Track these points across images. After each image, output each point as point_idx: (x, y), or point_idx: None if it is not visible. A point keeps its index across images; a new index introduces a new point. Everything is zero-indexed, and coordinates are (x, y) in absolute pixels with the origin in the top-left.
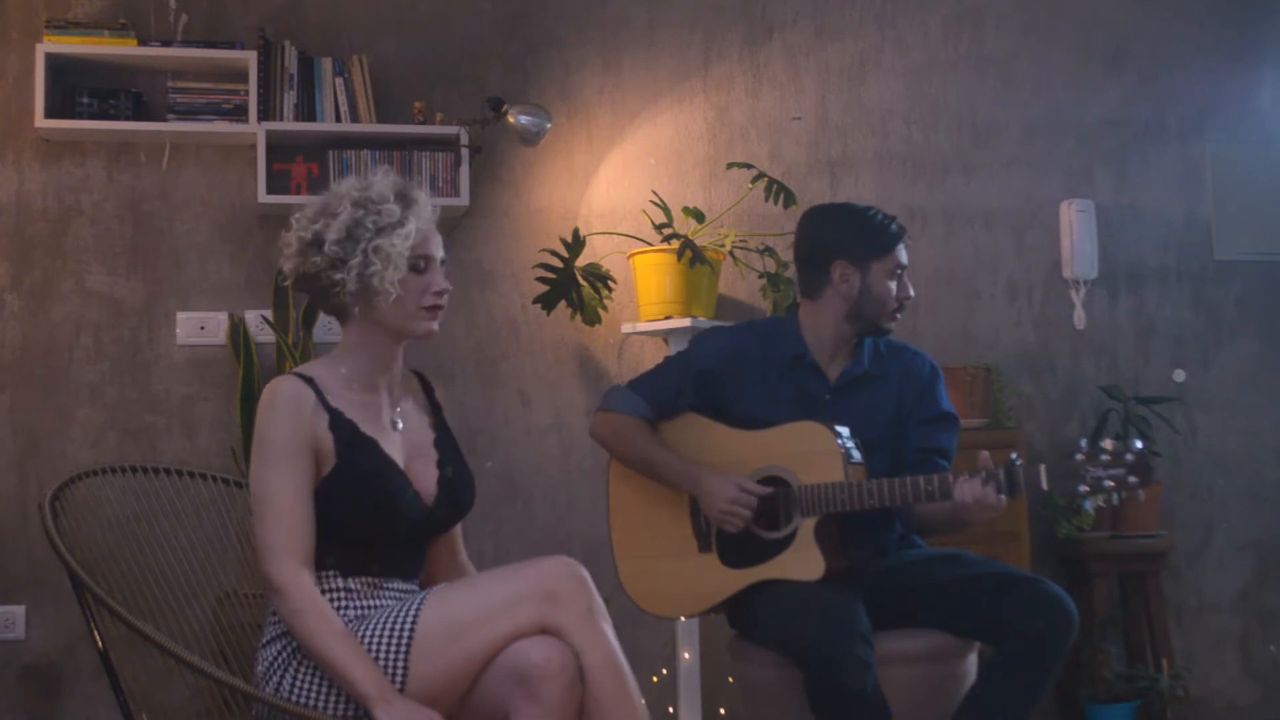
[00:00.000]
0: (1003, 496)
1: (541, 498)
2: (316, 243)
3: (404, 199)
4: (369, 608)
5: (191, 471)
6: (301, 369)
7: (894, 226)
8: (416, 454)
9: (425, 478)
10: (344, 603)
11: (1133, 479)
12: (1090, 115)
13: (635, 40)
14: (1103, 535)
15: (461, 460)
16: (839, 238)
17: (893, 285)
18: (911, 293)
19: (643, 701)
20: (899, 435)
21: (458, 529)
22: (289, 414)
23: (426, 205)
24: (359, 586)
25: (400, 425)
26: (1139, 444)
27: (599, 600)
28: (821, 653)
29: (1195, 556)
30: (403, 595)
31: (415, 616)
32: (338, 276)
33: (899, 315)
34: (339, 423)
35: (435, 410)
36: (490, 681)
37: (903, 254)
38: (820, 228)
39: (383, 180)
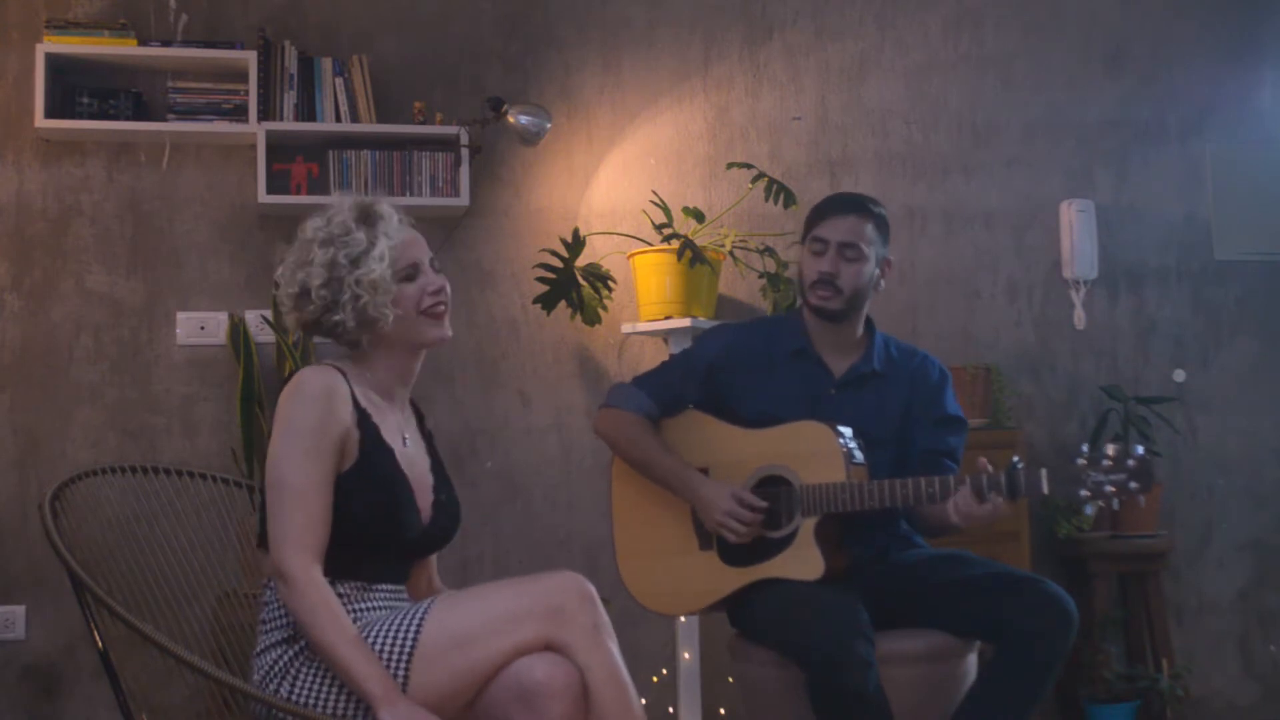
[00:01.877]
0: (1001, 501)
1: (541, 498)
2: (304, 293)
3: (366, 219)
4: (362, 610)
5: (191, 471)
6: (332, 362)
7: (825, 205)
8: (417, 474)
9: (424, 498)
10: None
11: (1134, 484)
12: (1090, 115)
13: (635, 40)
14: (1103, 535)
15: (452, 490)
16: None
17: (811, 259)
18: (829, 268)
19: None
20: (904, 436)
21: (433, 557)
22: (322, 402)
23: (393, 215)
24: (349, 590)
25: (407, 442)
26: (1140, 449)
27: (605, 617)
28: (823, 652)
29: (1195, 556)
30: (392, 595)
31: (420, 623)
32: (336, 318)
33: (823, 294)
34: (365, 421)
35: (428, 438)
36: (493, 696)
37: (825, 229)
38: None
39: (340, 207)
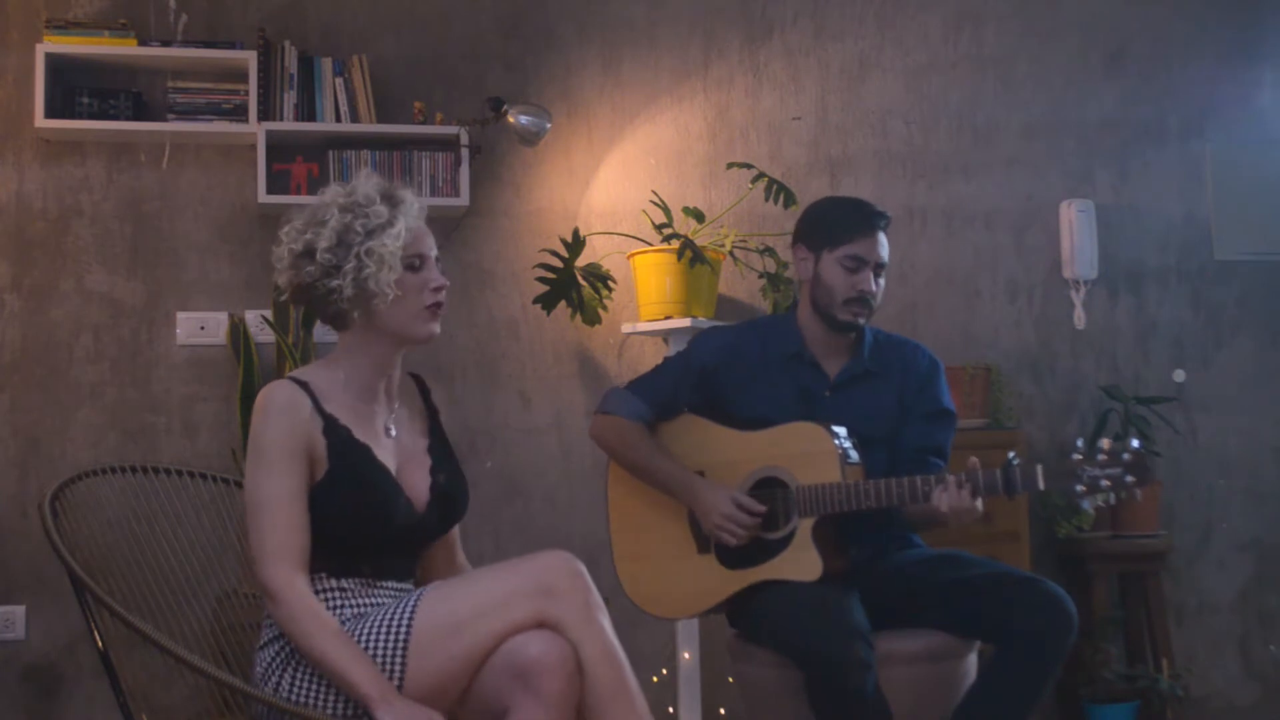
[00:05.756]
0: (979, 501)
1: (541, 498)
2: (308, 252)
3: (390, 199)
4: (366, 605)
5: (191, 471)
6: (297, 373)
7: (857, 219)
8: (409, 460)
9: (418, 484)
10: (339, 601)
11: (1130, 478)
12: (1090, 115)
13: (635, 40)
14: (1102, 535)
15: (455, 466)
16: (803, 224)
17: (843, 275)
18: (871, 288)
19: (641, 694)
20: (899, 431)
21: (455, 532)
22: (284, 419)
23: (414, 204)
24: (353, 585)
25: (394, 432)
26: (1136, 443)
27: (596, 594)
28: (822, 653)
29: (1195, 556)
30: (398, 593)
31: (412, 614)
32: (333, 284)
33: (859, 311)
34: (333, 428)
35: (432, 415)
36: (489, 677)
37: (863, 248)
38: (800, 216)
39: (367, 183)
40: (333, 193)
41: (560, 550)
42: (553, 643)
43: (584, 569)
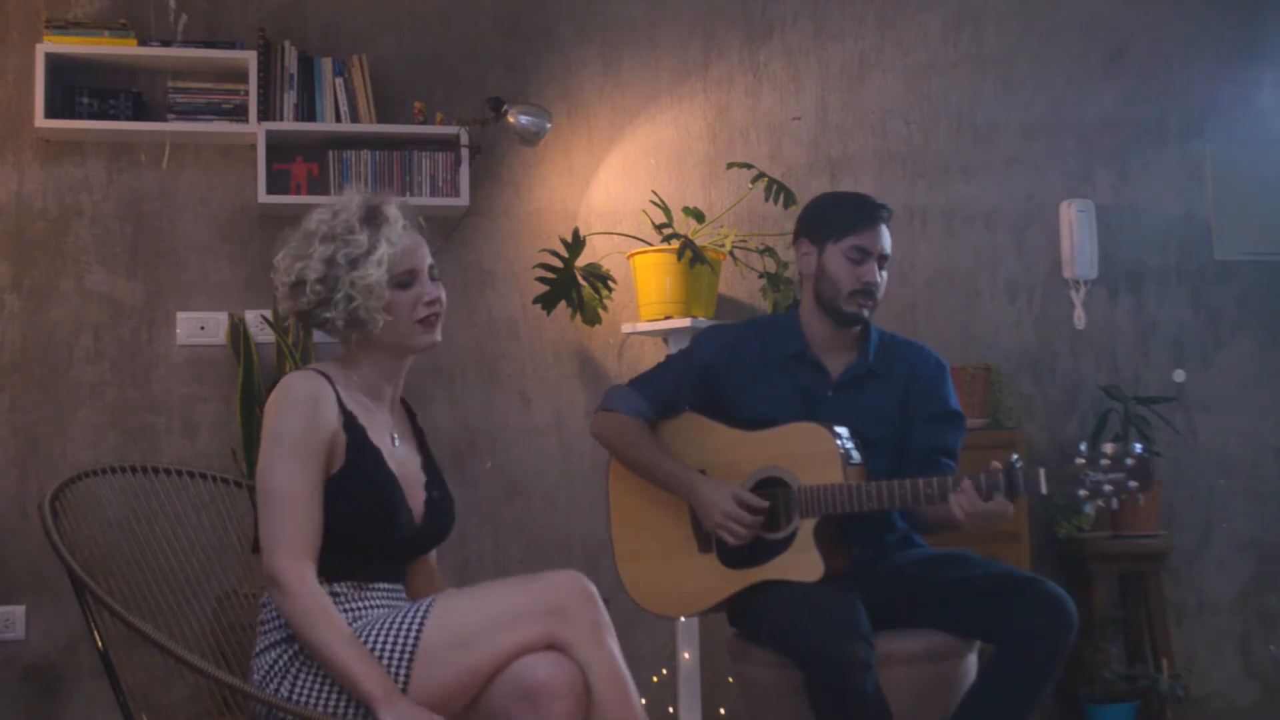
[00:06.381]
0: (1005, 500)
1: (541, 498)
2: (300, 284)
3: (372, 221)
4: (360, 609)
5: (191, 471)
6: (317, 366)
7: (860, 210)
8: (408, 473)
9: (415, 497)
10: (336, 606)
11: (1132, 483)
12: (1090, 115)
13: (635, 40)
14: (1102, 535)
15: (445, 487)
16: (805, 218)
17: (848, 266)
18: (875, 278)
19: (647, 718)
20: (903, 432)
21: (433, 554)
22: (307, 408)
23: (399, 218)
24: (345, 589)
25: (397, 441)
26: (1139, 447)
27: (605, 615)
28: (822, 653)
29: (1195, 556)
30: (390, 594)
31: (422, 623)
32: (327, 315)
33: (864, 303)
34: (351, 424)
35: (419, 435)
36: (495, 695)
37: (867, 239)
38: (802, 211)
39: (348, 205)
40: (316, 220)
41: (571, 570)
42: (561, 665)
43: (595, 589)
